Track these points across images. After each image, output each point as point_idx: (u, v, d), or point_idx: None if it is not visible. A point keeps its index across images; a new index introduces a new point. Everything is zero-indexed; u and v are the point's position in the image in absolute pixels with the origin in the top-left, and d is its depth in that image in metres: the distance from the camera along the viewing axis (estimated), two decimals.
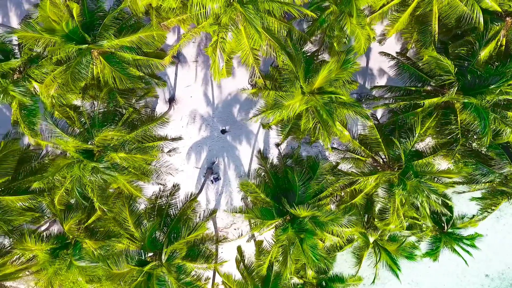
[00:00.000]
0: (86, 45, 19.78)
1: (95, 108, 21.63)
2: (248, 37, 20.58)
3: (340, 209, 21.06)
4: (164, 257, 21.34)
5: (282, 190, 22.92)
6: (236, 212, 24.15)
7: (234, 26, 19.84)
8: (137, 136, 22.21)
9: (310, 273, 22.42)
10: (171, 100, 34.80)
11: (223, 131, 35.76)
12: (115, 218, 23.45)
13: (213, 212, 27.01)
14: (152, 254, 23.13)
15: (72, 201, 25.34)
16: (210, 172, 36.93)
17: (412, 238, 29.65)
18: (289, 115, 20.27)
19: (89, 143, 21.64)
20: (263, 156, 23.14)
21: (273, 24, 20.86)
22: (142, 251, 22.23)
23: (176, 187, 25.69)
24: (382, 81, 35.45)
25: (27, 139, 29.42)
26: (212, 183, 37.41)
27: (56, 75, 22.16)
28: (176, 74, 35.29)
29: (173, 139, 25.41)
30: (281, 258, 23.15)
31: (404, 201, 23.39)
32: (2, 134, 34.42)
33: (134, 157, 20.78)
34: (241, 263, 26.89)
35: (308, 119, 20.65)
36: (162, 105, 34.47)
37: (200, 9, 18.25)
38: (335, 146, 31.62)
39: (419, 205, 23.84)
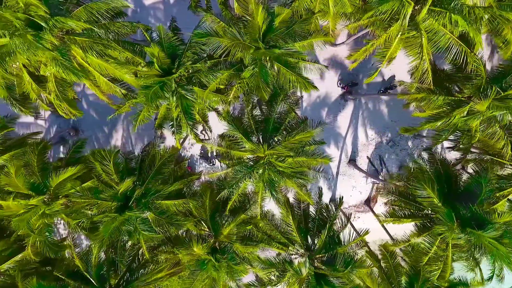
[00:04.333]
0: (280, 50, 19.52)
1: (273, 112, 21.47)
2: (429, 41, 20.53)
3: None
4: (339, 264, 21.19)
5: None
6: (390, 217, 24.17)
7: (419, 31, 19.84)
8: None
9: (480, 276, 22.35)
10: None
11: None
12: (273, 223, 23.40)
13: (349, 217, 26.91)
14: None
15: None
16: None
17: None
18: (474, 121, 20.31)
19: None
20: (424, 160, 23.09)
21: None
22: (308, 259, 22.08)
23: (321, 191, 25.57)
24: None
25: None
26: None
27: (222, 80, 22.11)
28: None
29: (321, 143, 25.28)
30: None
31: None
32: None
33: (314, 161, 20.66)
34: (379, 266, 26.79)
35: (489, 125, 20.60)
36: None
37: (403, 14, 18.22)
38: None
39: None
